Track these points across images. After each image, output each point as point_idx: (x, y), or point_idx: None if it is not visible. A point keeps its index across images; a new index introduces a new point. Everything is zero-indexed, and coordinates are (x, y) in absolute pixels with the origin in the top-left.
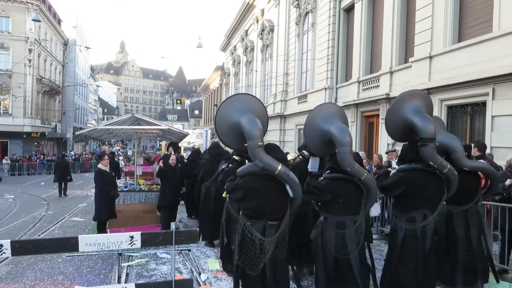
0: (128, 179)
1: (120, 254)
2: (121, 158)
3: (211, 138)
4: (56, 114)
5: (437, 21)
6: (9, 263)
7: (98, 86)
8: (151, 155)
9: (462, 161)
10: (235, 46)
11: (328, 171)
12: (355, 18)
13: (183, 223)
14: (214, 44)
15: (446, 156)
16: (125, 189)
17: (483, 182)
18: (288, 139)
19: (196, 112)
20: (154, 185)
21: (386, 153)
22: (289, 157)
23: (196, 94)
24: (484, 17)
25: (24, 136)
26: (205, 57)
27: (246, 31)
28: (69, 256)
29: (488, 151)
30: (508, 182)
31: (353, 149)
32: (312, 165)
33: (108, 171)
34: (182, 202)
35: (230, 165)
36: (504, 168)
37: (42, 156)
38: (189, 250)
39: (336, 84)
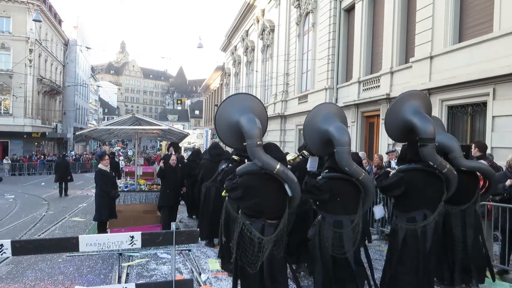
0: (128, 179)
1: (120, 254)
2: (121, 158)
3: (211, 138)
4: (57, 114)
5: (438, 21)
6: (10, 263)
7: (98, 86)
8: (152, 155)
9: (459, 161)
10: (235, 46)
11: (327, 171)
12: (355, 18)
13: (183, 223)
14: (214, 44)
15: (444, 156)
16: (125, 189)
17: (481, 182)
18: (288, 139)
19: (197, 112)
20: (155, 185)
21: (387, 153)
22: (289, 157)
23: (196, 94)
24: (485, 17)
25: (25, 136)
26: (205, 57)
27: (247, 31)
28: (70, 256)
29: (488, 151)
30: (508, 182)
31: (354, 149)
32: (311, 164)
33: (108, 171)
34: (182, 202)
35: (230, 165)
36: (504, 168)
37: (42, 156)
38: (189, 250)
39: (337, 84)
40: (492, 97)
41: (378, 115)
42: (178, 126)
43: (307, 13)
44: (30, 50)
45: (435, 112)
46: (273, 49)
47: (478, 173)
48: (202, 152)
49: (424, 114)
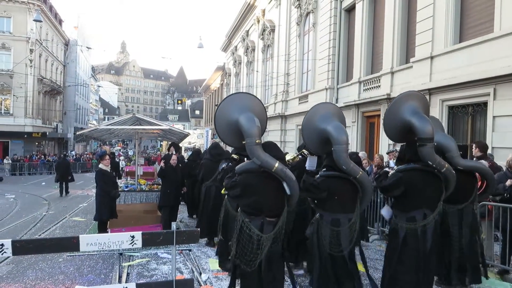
0: (129, 179)
1: (121, 254)
2: (121, 158)
3: (211, 138)
4: (57, 114)
5: (438, 21)
6: (10, 263)
7: (99, 86)
8: (152, 155)
9: (456, 160)
10: (236, 47)
11: (324, 169)
12: (356, 18)
13: (184, 223)
14: (215, 44)
15: (441, 155)
16: (126, 189)
17: (479, 182)
18: (289, 139)
19: (197, 112)
20: (155, 185)
21: (387, 153)
22: (288, 157)
23: (197, 94)
24: (485, 18)
25: (25, 136)
26: (206, 57)
27: (247, 31)
28: (70, 255)
29: (489, 151)
30: (508, 182)
31: (355, 149)
32: (310, 163)
33: (109, 171)
34: (182, 202)
35: (230, 164)
36: (504, 168)
37: (43, 156)
38: (190, 250)
39: (337, 84)
40: (492, 97)
41: (379, 115)
42: (178, 126)
43: (308, 13)
44: (31, 50)
45: (436, 112)
46: (274, 49)
47: (476, 173)
48: (202, 152)
49: (422, 114)
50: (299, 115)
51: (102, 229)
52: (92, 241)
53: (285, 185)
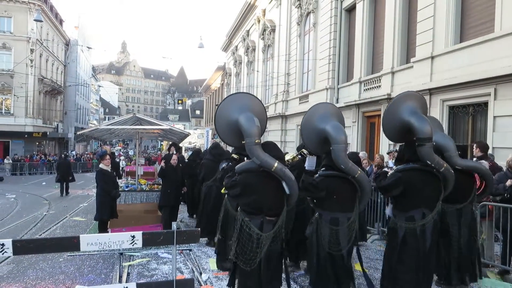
0: (129, 179)
1: (121, 253)
2: (122, 158)
3: (212, 138)
4: (58, 114)
5: (439, 21)
6: (11, 263)
7: (99, 86)
8: (152, 155)
9: (454, 160)
10: (236, 46)
11: (323, 169)
12: (356, 18)
13: (184, 223)
14: (215, 44)
15: (440, 155)
16: (126, 189)
17: (478, 182)
18: (289, 139)
19: (198, 112)
20: (155, 185)
21: (388, 153)
22: (288, 157)
23: (197, 94)
24: (486, 18)
25: (26, 136)
26: (206, 57)
27: (248, 31)
28: (71, 255)
29: (489, 151)
30: (509, 182)
31: (355, 149)
32: (309, 163)
33: (109, 171)
34: (183, 202)
35: (230, 163)
36: (504, 168)
37: (43, 156)
38: (190, 250)
39: (338, 84)
40: (493, 97)
41: (379, 115)
42: (179, 126)
43: (308, 13)
44: (31, 50)
45: (437, 112)
46: (274, 49)
47: (475, 174)
48: (202, 151)
49: (421, 114)
50: (299, 115)
51: (102, 229)
52: (92, 241)
53: (284, 184)
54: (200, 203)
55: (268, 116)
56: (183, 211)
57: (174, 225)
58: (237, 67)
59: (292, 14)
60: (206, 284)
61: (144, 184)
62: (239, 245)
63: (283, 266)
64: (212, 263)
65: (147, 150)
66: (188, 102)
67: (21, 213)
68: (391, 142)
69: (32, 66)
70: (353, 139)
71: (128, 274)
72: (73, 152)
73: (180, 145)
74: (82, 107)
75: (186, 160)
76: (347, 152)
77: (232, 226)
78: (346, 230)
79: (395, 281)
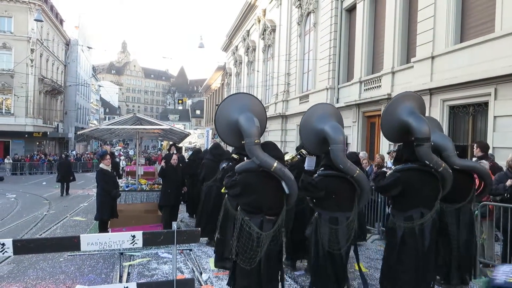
0: (129, 178)
1: (121, 253)
2: (122, 158)
3: (212, 138)
4: (58, 114)
5: (439, 21)
6: (11, 262)
7: (100, 86)
8: (153, 155)
9: (452, 160)
10: (236, 46)
11: (322, 168)
12: (357, 18)
13: (184, 222)
14: (215, 44)
15: (438, 155)
16: (126, 189)
17: (477, 182)
18: (289, 139)
19: (198, 112)
20: (156, 185)
21: (388, 153)
22: (287, 157)
23: (197, 94)
24: (487, 17)
25: (26, 135)
26: (206, 57)
27: (248, 31)
28: (71, 255)
29: (490, 151)
30: (509, 182)
31: (355, 149)
32: (309, 163)
33: (110, 170)
34: (183, 202)
35: (230, 163)
36: (505, 168)
37: (43, 156)
38: (190, 250)
39: (338, 84)
40: (493, 97)
41: (380, 115)
42: (179, 126)
43: (308, 13)
44: (32, 50)
45: (437, 112)
46: (274, 49)
47: (474, 174)
48: (202, 151)
49: (419, 114)
50: (299, 115)
51: (102, 228)
52: (93, 241)
53: (284, 184)
54: (200, 203)
55: (268, 116)
56: (183, 211)
57: (174, 225)
58: (237, 67)
59: (292, 14)
60: (207, 284)
61: (144, 184)
62: (239, 244)
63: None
64: (212, 263)
65: (148, 150)
66: (188, 102)
67: (21, 213)
68: (391, 142)
69: (32, 66)
70: (354, 139)
71: (129, 274)
72: (74, 152)
73: (180, 145)
74: (82, 107)
75: (187, 160)
76: (347, 152)
77: (231, 226)
78: (345, 229)
79: (394, 281)
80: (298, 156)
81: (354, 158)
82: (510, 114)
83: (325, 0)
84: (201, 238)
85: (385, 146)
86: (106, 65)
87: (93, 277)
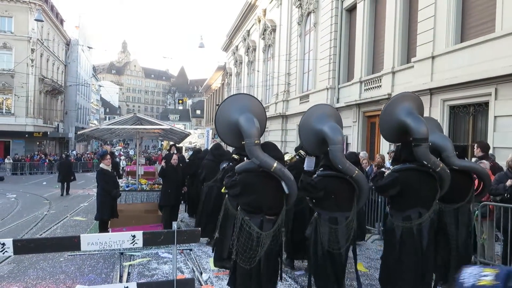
0: (130, 178)
1: (121, 253)
2: (122, 158)
3: (212, 138)
4: (58, 113)
5: (440, 21)
6: (11, 262)
7: (100, 86)
8: (153, 155)
9: (451, 160)
10: (237, 46)
11: (321, 169)
12: (357, 18)
13: (184, 222)
14: (216, 44)
15: (438, 155)
16: (127, 189)
17: (476, 182)
18: (289, 139)
19: (198, 112)
20: (156, 185)
21: (388, 153)
22: (286, 157)
23: (198, 94)
24: (487, 17)
25: (26, 135)
26: (207, 57)
27: (248, 31)
28: (71, 255)
29: (490, 151)
30: (509, 182)
31: (355, 149)
32: (308, 164)
33: (110, 170)
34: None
35: (230, 163)
36: (505, 168)
37: (44, 156)
38: (190, 250)
39: (338, 84)
40: (494, 97)
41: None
42: (179, 126)
43: (309, 13)
44: (32, 50)
45: (437, 112)
46: (275, 49)
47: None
48: (202, 151)
49: (417, 115)
50: (300, 115)
51: (103, 228)
52: (93, 241)
53: (283, 184)
54: (200, 203)
55: (268, 116)
56: (183, 210)
57: (174, 224)
58: (237, 67)
59: (292, 14)
60: (207, 283)
61: (145, 184)
62: (239, 243)
63: (280, 265)
64: (212, 263)
65: (148, 150)
66: (189, 102)
67: (21, 213)
68: (389, 142)
69: (32, 66)
70: (354, 139)
71: (129, 273)
72: (74, 152)
73: (181, 145)
74: (82, 107)
75: (187, 160)
76: (347, 152)
77: (231, 226)
78: (344, 228)
79: (394, 281)
80: (297, 157)
81: (353, 158)
82: (510, 114)
83: (325, 0)
84: (201, 238)
85: (385, 146)
86: (107, 65)
87: (93, 277)
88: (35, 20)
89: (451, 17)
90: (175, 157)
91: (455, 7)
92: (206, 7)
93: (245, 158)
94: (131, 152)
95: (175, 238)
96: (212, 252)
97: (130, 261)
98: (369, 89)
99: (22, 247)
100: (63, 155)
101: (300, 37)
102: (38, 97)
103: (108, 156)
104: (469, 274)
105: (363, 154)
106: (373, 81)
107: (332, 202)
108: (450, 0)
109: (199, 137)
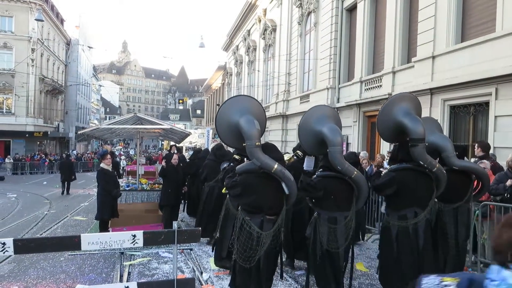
0: (130, 178)
1: (122, 253)
2: (122, 157)
3: (212, 138)
4: (59, 113)
5: (440, 21)
6: (12, 262)
7: (100, 86)
8: (153, 154)
9: (451, 160)
10: (237, 46)
11: (321, 170)
12: (357, 18)
13: (185, 222)
14: (216, 44)
15: (438, 155)
16: (127, 189)
17: (475, 182)
18: (290, 139)
19: (198, 112)
20: (156, 185)
21: (388, 153)
22: (285, 158)
23: (198, 94)
24: (487, 17)
25: (27, 135)
26: (207, 57)
27: (249, 31)
28: (71, 254)
29: (491, 151)
30: (509, 182)
31: (356, 149)
32: (308, 164)
33: (110, 170)
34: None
35: (231, 164)
36: (505, 168)
37: (44, 155)
38: (191, 249)
39: (339, 84)
40: (494, 97)
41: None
42: (179, 126)
43: (309, 13)
44: (32, 50)
45: (438, 112)
46: (275, 49)
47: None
48: (202, 150)
49: (414, 115)
50: (300, 114)
51: (103, 228)
52: (93, 240)
53: (283, 185)
54: (201, 203)
55: (269, 116)
56: (183, 210)
57: (175, 224)
58: (238, 66)
59: (293, 14)
60: (207, 283)
61: (145, 184)
62: (239, 243)
63: (280, 264)
64: (212, 263)
65: (148, 149)
66: (189, 101)
67: (22, 213)
68: (387, 142)
69: (33, 65)
70: (354, 139)
71: (129, 273)
72: (74, 152)
73: (181, 144)
74: (83, 107)
75: (187, 160)
76: (347, 152)
77: (231, 226)
78: (343, 228)
79: (390, 280)
80: (295, 157)
81: (353, 158)
82: (510, 114)
83: (326, 0)
84: (201, 238)
85: (385, 145)
86: (107, 65)
87: (94, 276)
88: (36, 20)
89: (451, 17)
90: (175, 156)
91: (456, 7)
92: (206, 7)
93: (245, 159)
94: (132, 152)
95: (176, 237)
96: (212, 251)
97: (130, 260)
98: (369, 89)
99: (23, 246)
100: (64, 155)
101: (300, 37)
102: (38, 96)
103: (109, 156)
104: (427, 284)
105: (363, 154)
106: (374, 81)
107: (331, 202)
108: (450, 0)
109: (199, 137)
